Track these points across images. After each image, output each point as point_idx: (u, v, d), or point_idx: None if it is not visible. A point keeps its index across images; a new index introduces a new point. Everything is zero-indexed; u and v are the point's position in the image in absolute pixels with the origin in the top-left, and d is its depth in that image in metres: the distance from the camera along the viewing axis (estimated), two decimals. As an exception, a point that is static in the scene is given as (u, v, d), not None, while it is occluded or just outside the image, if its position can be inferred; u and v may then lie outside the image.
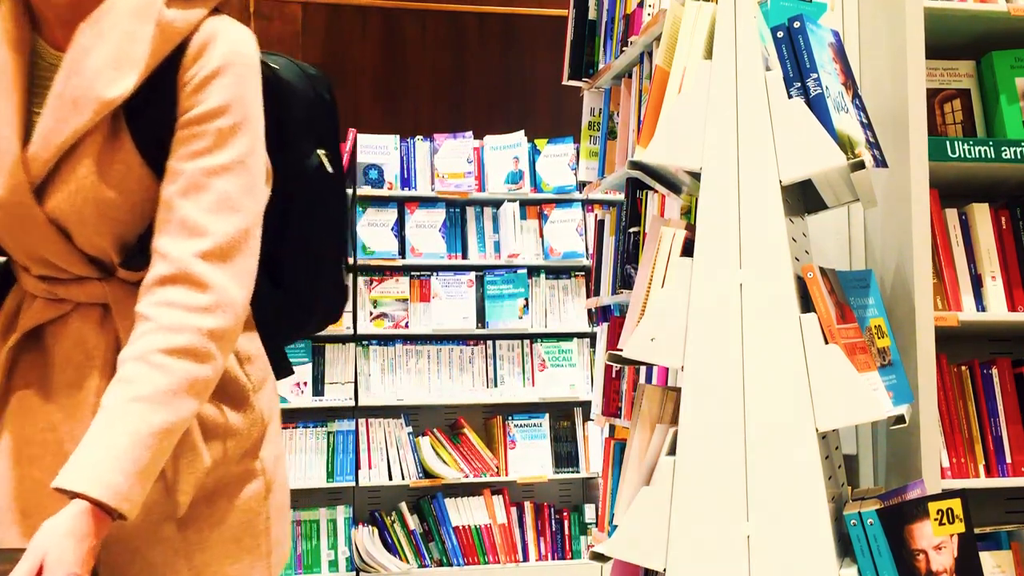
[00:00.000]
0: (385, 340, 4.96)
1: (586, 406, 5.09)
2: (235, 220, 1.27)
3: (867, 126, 2.15)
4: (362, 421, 4.88)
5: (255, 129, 1.33)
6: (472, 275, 5.04)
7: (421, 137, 5.09)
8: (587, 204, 5.14)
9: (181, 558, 1.33)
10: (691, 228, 2.06)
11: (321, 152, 1.53)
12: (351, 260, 1.89)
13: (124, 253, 1.32)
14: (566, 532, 5.04)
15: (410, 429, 4.91)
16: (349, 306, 4.90)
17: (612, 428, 2.92)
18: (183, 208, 1.26)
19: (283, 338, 1.54)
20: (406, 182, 5.03)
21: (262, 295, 1.37)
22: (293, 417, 4.88)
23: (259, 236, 1.31)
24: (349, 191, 4.94)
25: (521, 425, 5.04)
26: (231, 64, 1.31)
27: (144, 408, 1.19)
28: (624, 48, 2.71)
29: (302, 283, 1.52)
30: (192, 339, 1.22)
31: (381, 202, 5.00)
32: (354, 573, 4.75)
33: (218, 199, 1.27)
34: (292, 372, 1.54)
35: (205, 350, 1.23)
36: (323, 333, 4.85)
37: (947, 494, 1.96)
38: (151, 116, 1.29)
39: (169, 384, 1.20)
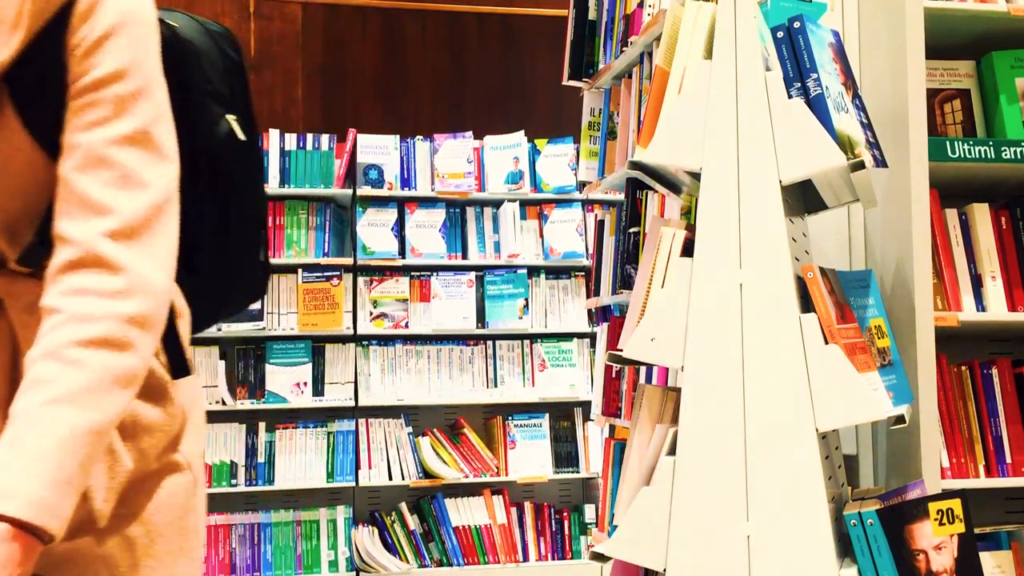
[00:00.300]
0: (385, 340, 4.96)
1: (586, 406, 5.09)
2: (144, 196, 1.12)
3: (867, 126, 2.15)
4: (362, 421, 4.88)
5: (158, 95, 1.17)
6: (472, 275, 5.04)
7: (421, 137, 5.09)
8: (587, 204, 5.15)
9: (104, 571, 1.17)
10: (691, 228, 2.06)
11: (231, 117, 1.37)
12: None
13: (18, 245, 1.18)
14: (566, 532, 5.04)
15: (410, 429, 4.92)
16: (349, 306, 4.90)
17: (612, 428, 2.92)
18: (83, 185, 1.11)
19: (196, 327, 1.38)
20: (406, 182, 5.03)
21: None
22: (293, 417, 4.88)
23: (175, 214, 1.17)
24: (349, 191, 4.97)
25: (521, 425, 5.05)
26: (126, 23, 1.15)
27: (63, 410, 1.04)
28: (624, 48, 2.71)
29: (216, 265, 1.38)
30: (109, 327, 1.07)
31: (381, 202, 5.00)
32: (354, 573, 4.75)
33: (122, 173, 1.12)
34: (190, 372, 1.29)
35: (125, 339, 1.08)
36: (323, 333, 4.86)
37: (947, 494, 1.96)
38: (38, 87, 1.13)
39: (88, 381, 1.05)
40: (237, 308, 1.51)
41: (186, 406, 1.26)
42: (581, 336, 5.13)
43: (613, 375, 2.89)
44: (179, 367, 1.26)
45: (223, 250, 1.39)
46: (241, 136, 1.38)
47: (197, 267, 1.34)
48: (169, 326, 1.23)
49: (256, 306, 4.79)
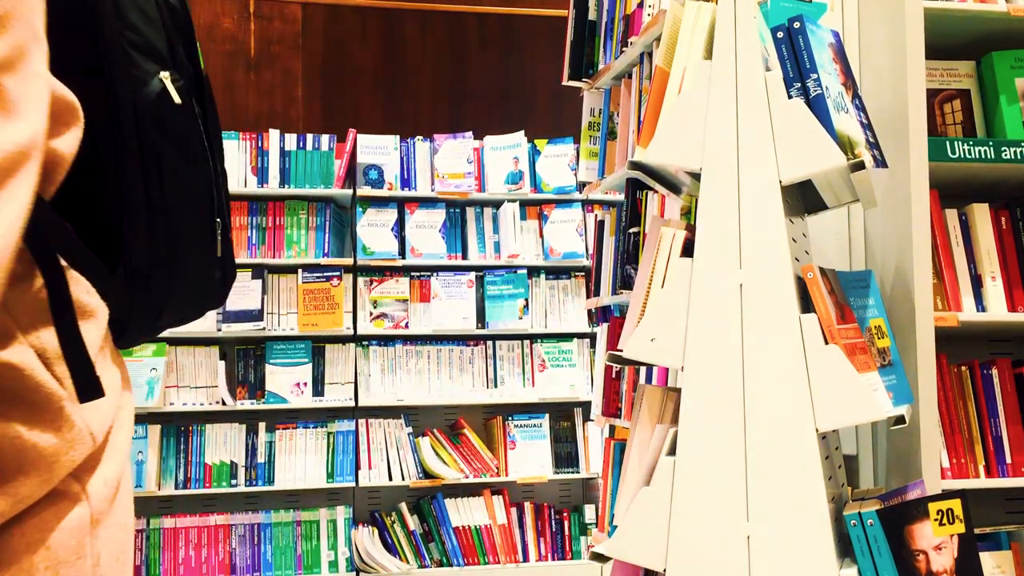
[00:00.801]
0: (385, 340, 4.96)
1: (586, 406, 5.09)
2: None
3: (867, 126, 2.15)
4: (362, 421, 4.88)
5: (19, 35, 0.87)
6: (472, 275, 5.04)
7: (421, 137, 5.09)
8: (587, 204, 5.15)
9: None
10: (691, 228, 2.06)
11: (165, 75, 1.11)
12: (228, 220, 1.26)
13: None
14: (566, 532, 5.04)
15: (410, 429, 4.92)
16: (349, 306, 4.90)
17: (612, 428, 2.92)
18: None
19: (132, 334, 1.11)
20: (406, 182, 5.03)
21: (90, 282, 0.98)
22: (293, 417, 4.89)
23: (21, 186, 0.87)
24: (349, 191, 4.97)
25: (521, 425, 5.05)
26: None
27: None
28: (624, 48, 2.71)
29: (150, 256, 1.09)
30: None
31: (381, 202, 5.00)
32: (354, 573, 4.75)
33: None
34: (102, 394, 0.94)
35: None
36: (323, 333, 4.85)
37: (947, 494, 1.96)
38: None
39: None
40: (189, 312, 1.22)
41: (96, 427, 0.95)
42: (581, 336, 5.13)
43: (613, 375, 2.89)
44: (86, 384, 0.95)
45: (158, 237, 1.10)
46: (176, 99, 1.12)
47: (125, 264, 1.06)
48: (69, 330, 0.95)
49: (256, 306, 4.79)
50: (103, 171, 1.01)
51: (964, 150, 2.32)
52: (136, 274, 1.07)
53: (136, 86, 1.07)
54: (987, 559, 2.17)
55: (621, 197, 2.86)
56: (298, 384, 4.84)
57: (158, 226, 1.09)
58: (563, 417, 5.14)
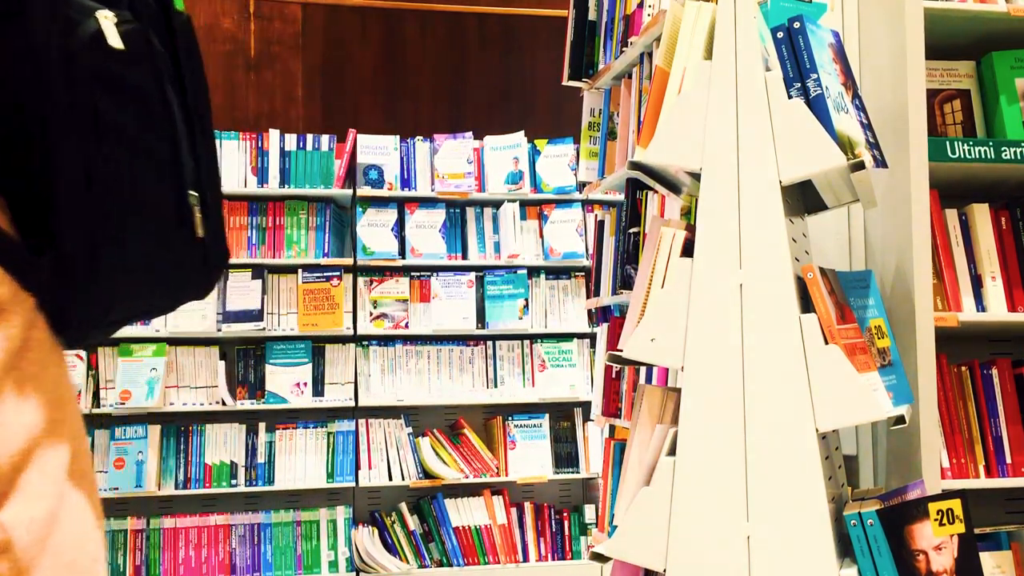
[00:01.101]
0: (385, 340, 4.96)
1: (586, 406, 5.09)
2: None
3: (867, 126, 2.15)
4: (362, 421, 4.88)
5: None
6: (472, 275, 5.04)
7: (421, 137, 5.09)
8: (587, 204, 5.15)
9: None
10: (691, 228, 2.06)
11: (104, 16, 0.87)
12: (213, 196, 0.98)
13: None
14: (566, 532, 5.04)
15: (410, 430, 4.92)
16: (349, 306, 4.90)
17: (612, 428, 2.92)
18: None
19: (73, 333, 0.89)
20: (406, 182, 5.03)
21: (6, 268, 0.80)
22: (293, 417, 4.89)
23: None
24: (349, 192, 4.96)
25: (521, 425, 5.05)
26: None
27: None
28: (624, 48, 2.71)
29: (89, 238, 0.85)
30: None
31: (381, 202, 5.00)
32: (354, 573, 4.75)
33: None
34: None
35: None
36: (323, 333, 4.85)
37: (947, 494, 1.96)
38: None
39: None
40: (157, 301, 0.99)
41: (2, 451, 0.77)
42: (581, 336, 5.13)
43: (613, 375, 2.89)
44: None
45: (98, 210, 0.86)
46: (116, 43, 0.87)
47: (57, 247, 0.84)
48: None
49: (256, 306, 4.79)
50: (29, 134, 0.82)
51: (964, 150, 2.32)
52: (72, 254, 0.85)
53: (67, 28, 0.84)
54: (987, 559, 2.17)
55: (621, 197, 2.86)
56: (298, 384, 4.84)
57: (98, 197, 0.86)
58: (563, 417, 5.14)
